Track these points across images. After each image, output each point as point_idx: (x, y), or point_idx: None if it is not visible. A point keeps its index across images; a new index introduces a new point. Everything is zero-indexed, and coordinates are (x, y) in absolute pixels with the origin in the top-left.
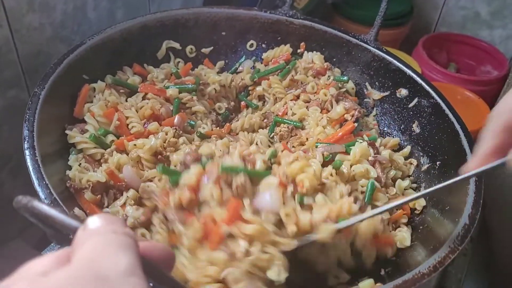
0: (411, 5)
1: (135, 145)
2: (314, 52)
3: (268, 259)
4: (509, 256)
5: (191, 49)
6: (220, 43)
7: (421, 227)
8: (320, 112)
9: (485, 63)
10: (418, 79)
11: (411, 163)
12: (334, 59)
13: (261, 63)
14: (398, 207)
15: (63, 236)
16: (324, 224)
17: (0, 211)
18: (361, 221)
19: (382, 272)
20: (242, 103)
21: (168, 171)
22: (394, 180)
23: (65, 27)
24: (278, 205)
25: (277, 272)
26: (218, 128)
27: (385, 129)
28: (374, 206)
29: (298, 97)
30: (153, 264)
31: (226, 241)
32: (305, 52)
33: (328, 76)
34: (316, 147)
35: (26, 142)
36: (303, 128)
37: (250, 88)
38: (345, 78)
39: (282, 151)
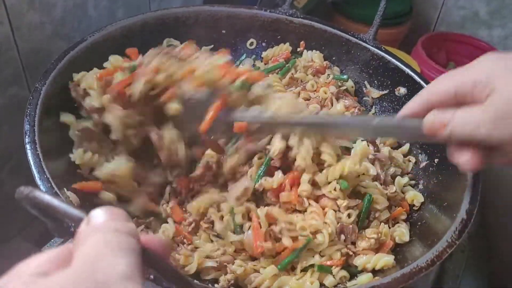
0: (410, 5)
1: None
2: (314, 50)
3: None
4: (507, 253)
5: None
6: (220, 41)
7: (419, 223)
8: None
9: None
10: (416, 77)
11: (410, 160)
12: (334, 58)
13: (261, 61)
14: None
15: (65, 229)
16: None
17: (0, 210)
18: None
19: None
20: None
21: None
22: (393, 177)
23: (66, 25)
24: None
25: None
26: None
27: None
28: (374, 209)
29: (298, 94)
30: (156, 256)
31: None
32: (305, 50)
33: (328, 74)
34: None
35: (27, 137)
36: None
37: None
38: (345, 76)
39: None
